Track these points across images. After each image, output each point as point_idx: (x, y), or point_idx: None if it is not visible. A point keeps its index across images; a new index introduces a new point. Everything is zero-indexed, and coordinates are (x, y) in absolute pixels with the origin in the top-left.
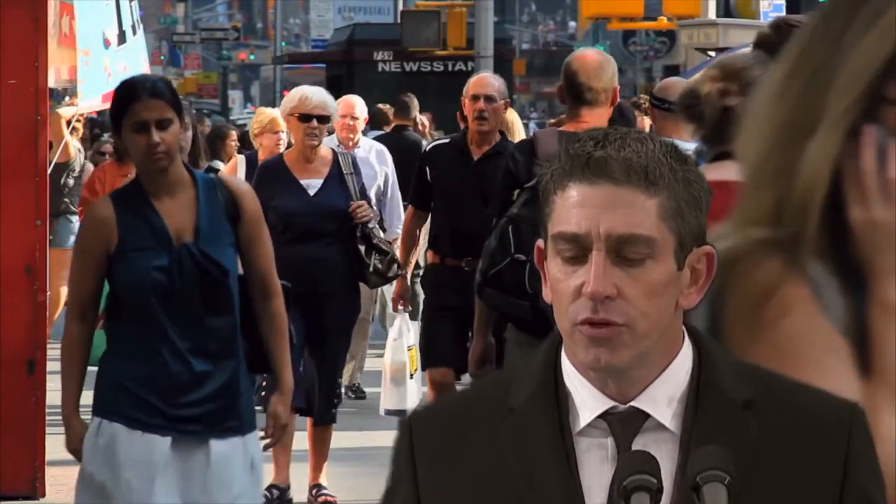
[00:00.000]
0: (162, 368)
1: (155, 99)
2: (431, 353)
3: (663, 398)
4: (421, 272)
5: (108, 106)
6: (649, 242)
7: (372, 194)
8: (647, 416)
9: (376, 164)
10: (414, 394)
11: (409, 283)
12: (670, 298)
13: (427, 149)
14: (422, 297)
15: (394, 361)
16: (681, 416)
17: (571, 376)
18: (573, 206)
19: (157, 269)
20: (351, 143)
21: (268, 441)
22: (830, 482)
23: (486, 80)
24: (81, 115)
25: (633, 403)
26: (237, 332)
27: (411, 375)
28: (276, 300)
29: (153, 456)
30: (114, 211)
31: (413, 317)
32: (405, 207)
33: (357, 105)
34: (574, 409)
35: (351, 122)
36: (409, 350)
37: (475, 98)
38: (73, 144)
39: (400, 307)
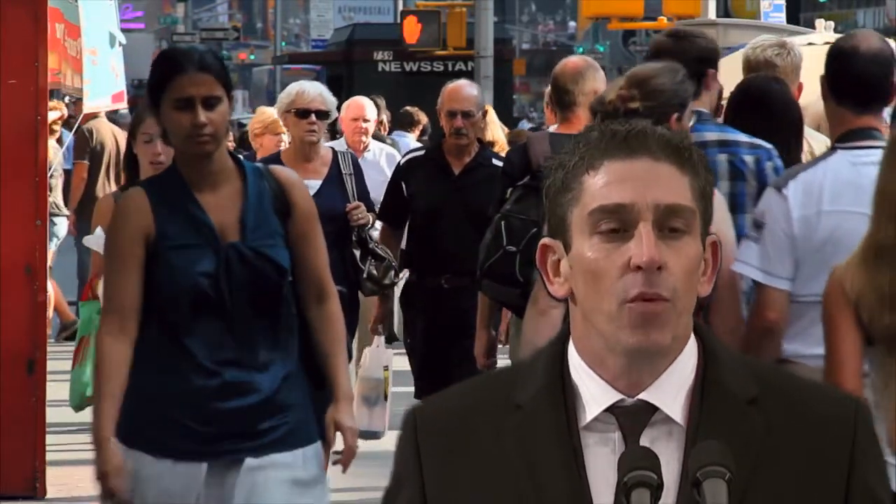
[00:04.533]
0: (198, 383)
1: (203, 73)
2: (429, 384)
3: (670, 392)
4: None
5: (117, 106)
6: (690, 214)
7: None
8: (654, 409)
9: (386, 168)
10: (386, 416)
11: (390, 305)
12: (697, 280)
13: (401, 163)
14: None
15: (368, 379)
16: (687, 410)
17: (579, 370)
18: (613, 182)
19: (202, 273)
20: (361, 147)
21: (341, 458)
22: (836, 478)
23: (463, 94)
24: (60, 117)
25: (641, 396)
26: (292, 337)
27: (385, 397)
28: (333, 301)
29: (187, 488)
30: (148, 201)
31: (389, 339)
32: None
33: (367, 107)
34: (581, 404)
35: (363, 125)
36: (384, 370)
37: (452, 114)
38: (52, 145)
39: (380, 328)
